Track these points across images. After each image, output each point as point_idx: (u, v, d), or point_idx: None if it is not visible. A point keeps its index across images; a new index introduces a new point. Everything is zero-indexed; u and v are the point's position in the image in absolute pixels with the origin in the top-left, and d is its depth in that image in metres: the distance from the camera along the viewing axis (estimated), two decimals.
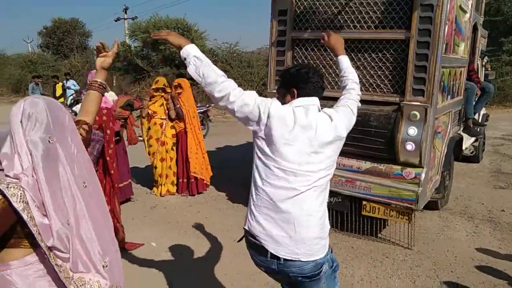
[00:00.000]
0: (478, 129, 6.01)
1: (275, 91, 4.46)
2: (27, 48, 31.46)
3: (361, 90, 4.06)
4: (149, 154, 5.45)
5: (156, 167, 5.42)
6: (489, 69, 7.28)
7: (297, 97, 1.97)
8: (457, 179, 5.93)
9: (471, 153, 6.91)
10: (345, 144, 4.12)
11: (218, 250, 3.86)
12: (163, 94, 5.34)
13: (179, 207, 5.04)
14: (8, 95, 23.17)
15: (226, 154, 7.85)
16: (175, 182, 5.46)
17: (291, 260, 1.85)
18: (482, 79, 6.58)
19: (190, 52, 1.90)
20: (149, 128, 5.39)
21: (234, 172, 6.42)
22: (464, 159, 6.75)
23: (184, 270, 3.52)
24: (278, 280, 2.12)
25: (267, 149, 1.86)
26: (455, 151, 5.23)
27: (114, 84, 17.50)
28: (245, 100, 1.86)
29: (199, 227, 4.41)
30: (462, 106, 5.33)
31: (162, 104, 5.36)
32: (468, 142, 6.35)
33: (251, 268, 3.24)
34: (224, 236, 4.12)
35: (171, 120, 5.39)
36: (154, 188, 5.50)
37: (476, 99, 5.89)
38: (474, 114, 5.79)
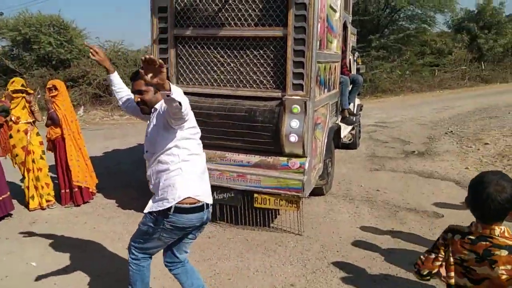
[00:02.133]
0: (354, 118, 6.58)
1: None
2: None
3: (245, 86, 4.21)
4: (16, 165, 4.92)
5: (24, 178, 4.92)
6: (360, 63, 8.02)
7: None
8: (338, 165, 6.45)
9: (349, 140, 7.56)
10: (233, 140, 4.24)
11: (110, 262, 3.64)
12: (24, 95, 4.83)
13: (63, 220, 4.64)
14: None
15: (115, 158, 7.44)
16: (51, 193, 5.00)
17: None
18: (354, 72, 7.23)
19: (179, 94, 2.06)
20: (10, 136, 4.81)
21: (126, 175, 6.11)
22: (344, 147, 7.36)
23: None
24: (185, 235, 2.54)
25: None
26: (335, 140, 5.66)
27: None
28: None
29: (87, 239, 4.11)
30: (338, 98, 5.79)
31: (25, 107, 4.85)
32: (345, 130, 6.93)
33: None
34: (115, 246, 3.91)
35: (46, 124, 4.92)
36: (25, 201, 4.98)
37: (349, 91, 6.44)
38: (349, 104, 6.33)
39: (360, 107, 8.01)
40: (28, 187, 4.88)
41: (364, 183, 5.83)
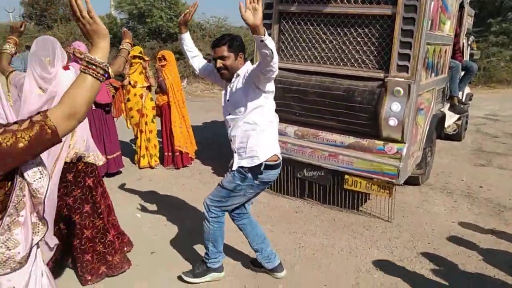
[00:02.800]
0: (462, 107, 6.10)
1: None
2: (9, 18, 30.55)
3: (345, 65, 4.13)
4: (130, 126, 5.45)
5: (136, 138, 5.44)
6: (475, 48, 7.33)
7: (244, 61, 2.70)
8: (439, 155, 6.06)
9: (454, 131, 7.02)
10: (329, 119, 4.20)
11: (201, 222, 3.91)
12: (141, 62, 5.27)
13: (164, 180, 5.07)
14: None
15: (213, 130, 7.85)
16: (157, 154, 5.48)
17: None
18: (467, 58, 6.65)
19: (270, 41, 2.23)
20: (128, 100, 5.33)
21: (221, 147, 6.44)
22: (446, 137, 6.87)
23: (167, 241, 3.58)
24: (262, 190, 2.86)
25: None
26: (438, 129, 5.32)
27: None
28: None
29: (183, 200, 4.45)
30: (446, 84, 5.39)
31: (142, 72, 5.30)
32: (451, 120, 6.45)
33: (236, 240, 3.32)
34: None
35: (155, 91, 5.36)
36: (135, 160, 5.53)
37: (460, 77, 5.95)
38: (458, 92, 5.86)
39: (469, 97, 7.37)
40: (140, 147, 5.41)
41: (466, 177, 5.41)
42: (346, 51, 4.09)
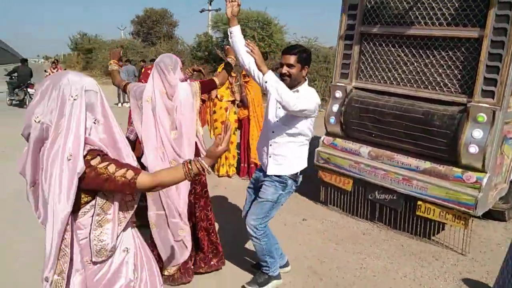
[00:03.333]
0: None
1: (339, 84, 4.55)
2: (120, 35, 34.09)
3: (426, 88, 4.04)
4: (213, 136, 5.80)
5: None
6: None
7: (306, 76, 2.87)
8: None
9: None
10: (404, 142, 4.13)
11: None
12: (228, 77, 5.61)
13: (239, 189, 5.30)
14: (100, 77, 25.33)
15: None
16: (235, 165, 5.76)
17: None
18: None
19: (271, 78, 2.58)
20: (214, 112, 5.70)
21: None
22: None
23: (240, 245, 3.76)
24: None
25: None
26: None
27: (194, 73, 18.39)
28: (309, 103, 2.67)
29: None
30: None
31: (228, 87, 5.64)
32: None
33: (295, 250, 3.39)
34: (276, 219, 4.29)
35: (237, 105, 5.67)
36: (215, 168, 5.86)
37: None
38: None
39: None
40: (220, 157, 5.74)
41: None
42: (428, 74, 3.99)
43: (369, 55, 4.40)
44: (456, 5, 3.73)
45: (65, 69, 16.69)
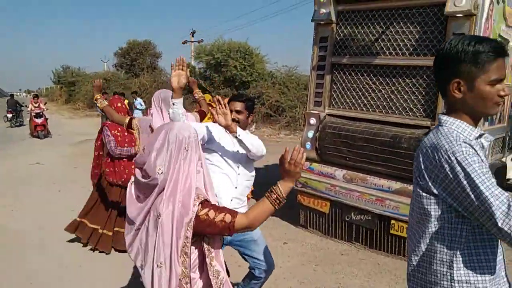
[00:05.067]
0: None
1: (313, 111, 4.78)
2: (103, 67, 34.37)
3: (393, 113, 4.28)
4: None
5: None
6: None
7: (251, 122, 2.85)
8: None
9: None
10: (376, 164, 4.34)
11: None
12: (210, 108, 5.83)
13: None
14: (83, 109, 25.41)
15: (272, 172, 8.18)
16: None
17: None
18: None
19: (240, 131, 2.61)
20: None
21: None
22: (509, 189, 6.50)
23: None
24: None
25: None
26: (497, 179, 5.13)
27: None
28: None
29: None
30: (507, 133, 5.26)
31: (210, 118, 5.84)
32: None
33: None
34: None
35: None
36: None
37: None
38: None
39: None
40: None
41: None
42: (394, 100, 4.27)
43: (340, 84, 4.68)
44: (417, 36, 4.06)
45: (46, 103, 16.73)
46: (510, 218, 1.20)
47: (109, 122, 4.29)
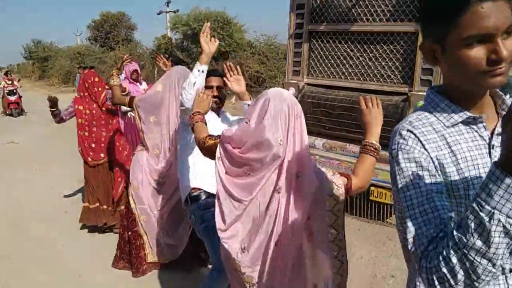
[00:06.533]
0: None
1: (292, 81, 4.74)
2: (76, 41, 33.25)
3: (372, 80, 4.27)
4: None
5: None
6: None
7: None
8: None
9: None
10: (354, 132, 4.36)
11: None
12: None
13: None
14: (58, 85, 24.69)
15: None
16: None
17: None
18: None
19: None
20: None
21: None
22: None
23: None
24: None
25: None
26: None
27: (156, 76, 18.27)
28: None
29: None
30: None
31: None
32: None
33: None
34: None
35: None
36: None
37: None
38: None
39: None
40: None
41: None
42: (372, 67, 4.25)
43: (318, 52, 4.62)
44: (393, 1, 4.00)
45: (19, 80, 16.15)
46: (428, 259, 0.85)
47: (78, 97, 4.19)
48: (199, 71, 2.41)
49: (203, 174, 2.48)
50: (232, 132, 1.64)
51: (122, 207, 3.92)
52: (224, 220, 1.63)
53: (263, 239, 1.58)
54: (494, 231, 0.74)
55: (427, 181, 0.93)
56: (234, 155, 1.60)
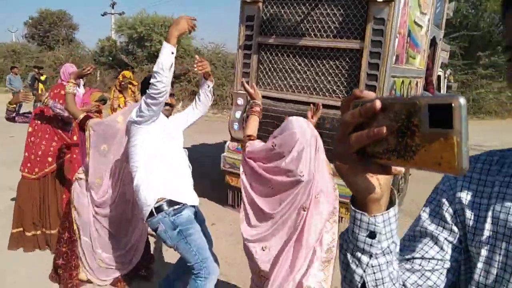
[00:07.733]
0: None
1: (240, 91, 4.74)
2: (12, 38, 31.22)
3: (318, 94, 4.37)
4: None
5: None
6: (452, 81, 7.66)
7: None
8: (413, 183, 6.26)
9: None
10: None
11: None
12: (130, 86, 5.54)
13: None
14: None
15: (201, 151, 8.07)
16: None
17: None
18: (444, 90, 6.96)
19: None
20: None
21: (204, 168, 6.63)
22: None
23: None
24: None
25: None
26: None
27: (98, 79, 17.56)
28: None
29: None
30: None
31: (131, 95, 5.55)
32: None
33: None
34: None
35: None
36: None
37: None
38: None
39: None
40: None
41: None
42: (319, 81, 4.37)
43: (267, 64, 4.67)
44: (340, 19, 4.14)
45: None
46: None
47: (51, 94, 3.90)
48: (172, 53, 2.34)
49: (166, 183, 2.53)
50: (254, 148, 2.05)
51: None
52: (249, 224, 2.01)
53: (283, 246, 1.92)
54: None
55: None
56: (258, 171, 1.98)
